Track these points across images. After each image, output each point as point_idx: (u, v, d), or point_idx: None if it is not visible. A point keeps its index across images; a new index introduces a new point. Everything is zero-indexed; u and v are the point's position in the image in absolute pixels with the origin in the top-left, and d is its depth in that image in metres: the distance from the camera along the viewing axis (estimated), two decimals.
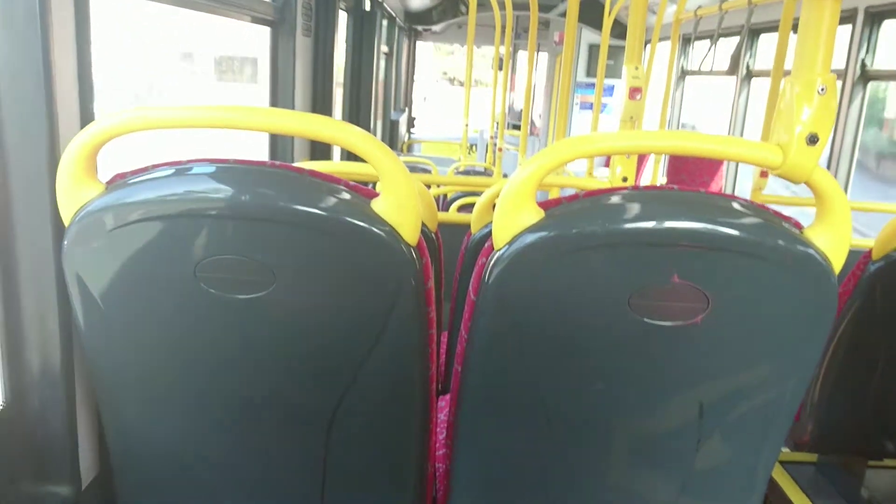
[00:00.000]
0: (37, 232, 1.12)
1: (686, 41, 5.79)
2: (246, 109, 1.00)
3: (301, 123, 1.03)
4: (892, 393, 1.76)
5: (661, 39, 5.53)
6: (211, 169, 1.01)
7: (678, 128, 6.29)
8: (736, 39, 4.38)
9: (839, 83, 3.47)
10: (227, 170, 1.01)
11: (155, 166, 1.03)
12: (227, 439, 1.18)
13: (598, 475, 1.23)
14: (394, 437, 1.18)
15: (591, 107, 6.89)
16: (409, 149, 8.74)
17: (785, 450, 2.00)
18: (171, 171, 1.01)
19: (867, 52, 3.37)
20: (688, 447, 1.18)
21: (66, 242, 1.01)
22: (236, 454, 1.19)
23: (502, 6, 4.93)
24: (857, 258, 1.67)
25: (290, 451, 1.19)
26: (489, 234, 1.06)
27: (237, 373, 1.11)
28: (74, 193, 1.00)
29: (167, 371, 1.11)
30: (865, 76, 3.40)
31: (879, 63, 3.39)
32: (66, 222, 1.01)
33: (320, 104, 2.96)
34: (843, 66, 3.48)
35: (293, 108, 2.70)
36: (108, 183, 1.03)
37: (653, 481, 1.24)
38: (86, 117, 1.17)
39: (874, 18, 3.33)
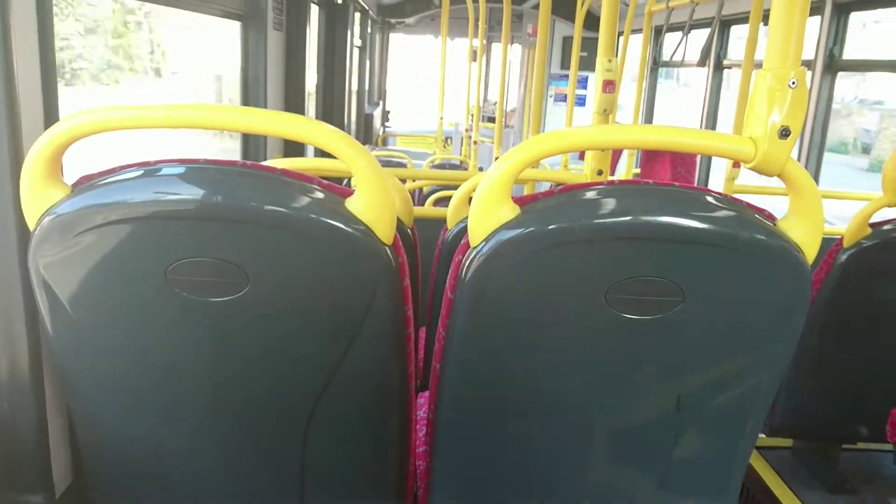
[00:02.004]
0: (0, 236, 1.09)
1: (658, 33, 5.83)
2: (213, 108, 0.98)
3: (269, 122, 1.01)
4: (865, 378, 1.80)
5: (633, 31, 5.56)
6: (180, 170, 0.99)
7: (652, 119, 6.34)
8: (707, 31, 4.42)
9: (808, 74, 3.51)
10: (198, 170, 0.99)
11: (123, 167, 1.01)
12: (203, 443, 1.16)
13: (577, 469, 1.24)
14: (373, 436, 1.18)
15: (565, 99, 6.92)
16: (384, 142, 8.70)
17: (761, 435, 2.03)
18: (139, 172, 0.99)
19: (835, 42, 3.42)
20: (666, 439, 1.19)
21: (31, 247, 0.98)
22: (213, 458, 1.18)
23: None
24: (828, 246, 1.70)
25: (267, 453, 1.18)
26: (465, 229, 1.05)
27: (212, 376, 1.09)
28: (39, 196, 0.97)
29: (139, 376, 1.09)
30: (834, 67, 3.45)
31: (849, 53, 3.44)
32: (31, 226, 0.99)
33: (293, 99, 2.93)
34: (811, 58, 3.53)
35: (265, 104, 2.67)
36: (74, 185, 1.00)
37: (632, 473, 1.25)
38: (50, 118, 1.14)
39: (841, 10, 3.38)
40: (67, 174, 1.01)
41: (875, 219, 1.67)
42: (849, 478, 2.02)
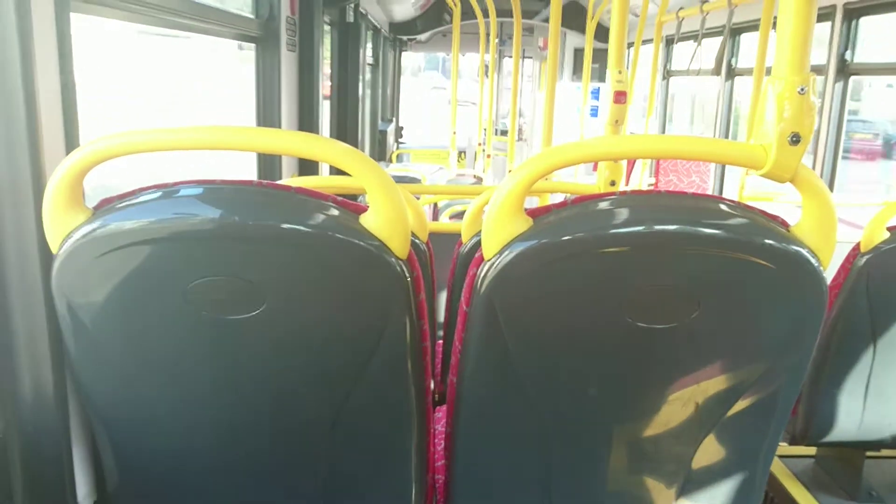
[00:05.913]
0: (25, 259, 1.11)
1: (669, 42, 5.83)
2: (230, 130, 1.00)
3: (284, 142, 1.03)
4: (886, 384, 1.78)
5: (644, 42, 5.57)
6: (198, 190, 1.01)
7: (665, 128, 6.32)
8: (719, 40, 4.42)
9: (821, 79, 3.50)
10: (215, 191, 1.01)
11: (142, 189, 1.03)
12: (223, 460, 1.17)
13: (597, 480, 1.23)
14: (391, 451, 1.18)
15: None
16: (399, 158, 8.74)
17: (783, 444, 2.01)
18: (158, 193, 1.01)
19: (846, 47, 3.41)
20: (686, 447, 1.18)
21: (54, 269, 1.01)
22: (234, 474, 1.19)
23: (486, 14, 4.95)
24: (846, 252, 1.69)
25: (286, 468, 1.18)
26: (480, 242, 1.06)
27: (231, 393, 1.10)
28: (61, 220, 1.00)
29: (160, 395, 1.10)
30: (846, 71, 3.44)
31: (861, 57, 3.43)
32: (54, 249, 1.01)
33: (306, 119, 2.96)
34: (824, 62, 3.52)
35: (279, 123, 2.71)
36: (95, 208, 1.03)
37: (652, 484, 1.24)
38: (70, 143, 1.17)
39: (851, 14, 3.38)
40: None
41: (891, 223, 1.66)
42: (873, 486, 1.99)
